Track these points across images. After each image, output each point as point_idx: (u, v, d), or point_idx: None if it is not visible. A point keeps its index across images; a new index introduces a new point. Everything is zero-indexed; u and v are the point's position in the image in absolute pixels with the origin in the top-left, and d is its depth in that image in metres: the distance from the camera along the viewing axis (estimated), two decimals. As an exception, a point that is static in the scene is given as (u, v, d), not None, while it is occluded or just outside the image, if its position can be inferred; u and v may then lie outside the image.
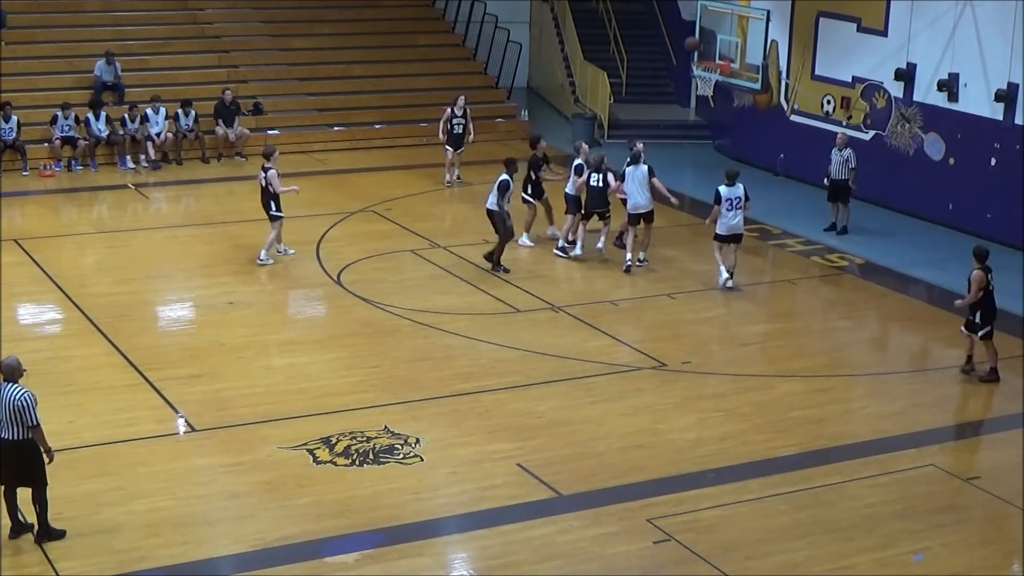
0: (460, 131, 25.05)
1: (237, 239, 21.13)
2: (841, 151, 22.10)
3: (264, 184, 19.57)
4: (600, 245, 20.73)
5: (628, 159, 20.19)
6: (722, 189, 19.20)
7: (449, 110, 25.15)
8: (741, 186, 19.31)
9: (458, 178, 25.09)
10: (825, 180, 22.51)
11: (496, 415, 14.78)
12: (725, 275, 19.35)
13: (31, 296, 18.35)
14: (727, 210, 19.17)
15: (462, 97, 25.39)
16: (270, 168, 19.48)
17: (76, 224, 22.73)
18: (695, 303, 18.89)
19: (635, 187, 19.92)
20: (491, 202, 19.80)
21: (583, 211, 20.47)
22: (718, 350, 17.13)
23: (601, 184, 20.16)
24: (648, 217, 20.14)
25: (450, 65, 30.85)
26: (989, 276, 16.09)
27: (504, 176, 19.90)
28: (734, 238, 19.44)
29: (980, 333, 16.16)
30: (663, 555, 11.89)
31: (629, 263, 19.99)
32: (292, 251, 20.10)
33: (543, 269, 20.11)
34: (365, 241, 21.27)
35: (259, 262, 19.59)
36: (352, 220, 22.47)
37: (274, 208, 19.64)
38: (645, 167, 20.03)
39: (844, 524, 12.47)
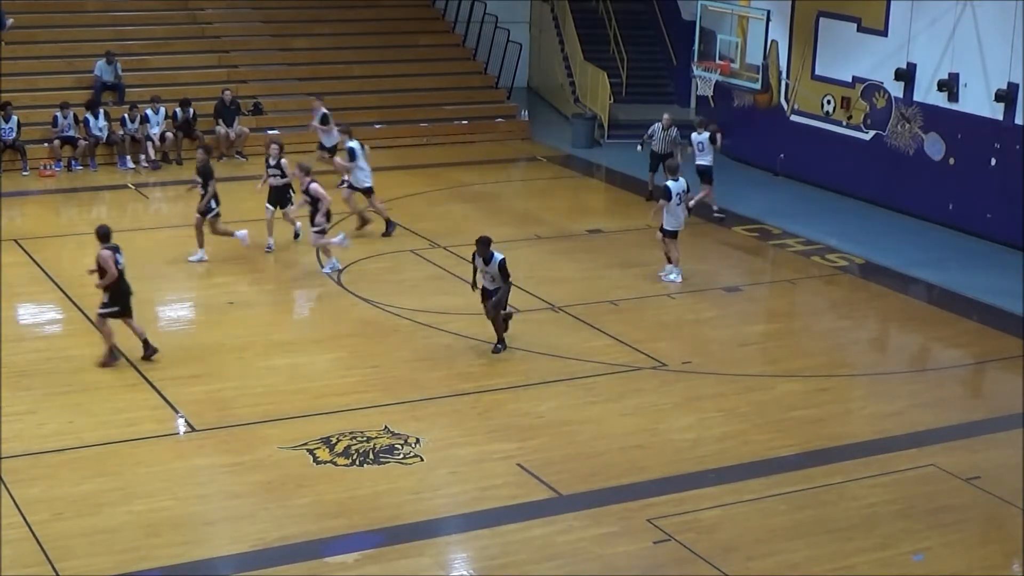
0: (281, 185, 20.38)
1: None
2: (667, 130, 23.76)
3: None
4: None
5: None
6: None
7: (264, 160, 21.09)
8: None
9: (295, 235, 20.85)
10: (639, 148, 24.47)
11: (496, 415, 14.78)
12: None
13: (31, 296, 18.34)
14: None
15: (275, 145, 20.69)
16: None
17: (76, 224, 22.71)
18: (695, 303, 18.89)
19: None
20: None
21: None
22: (718, 350, 17.11)
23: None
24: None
25: (450, 65, 30.86)
26: (117, 254, 15.57)
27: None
28: None
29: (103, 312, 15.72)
30: (663, 555, 11.88)
31: None
32: None
33: (543, 269, 20.10)
34: (365, 241, 21.25)
35: None
36: (352, 220, 22.45)
37: None
38: None
39: (844, 524, 12.46)
